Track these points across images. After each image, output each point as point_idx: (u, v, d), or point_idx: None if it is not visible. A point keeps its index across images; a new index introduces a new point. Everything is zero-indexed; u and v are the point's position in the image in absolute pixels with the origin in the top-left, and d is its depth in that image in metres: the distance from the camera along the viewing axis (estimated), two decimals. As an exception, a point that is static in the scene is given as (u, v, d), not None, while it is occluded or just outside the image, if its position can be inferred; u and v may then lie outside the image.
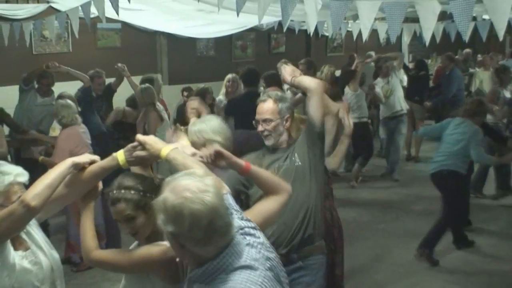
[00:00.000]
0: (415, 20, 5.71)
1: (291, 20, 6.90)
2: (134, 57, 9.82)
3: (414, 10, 4.27)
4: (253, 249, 2.12)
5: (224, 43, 12.40)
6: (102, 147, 6.90)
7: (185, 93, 8.76)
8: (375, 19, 4.77)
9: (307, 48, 14.62)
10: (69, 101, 6.62)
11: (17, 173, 2.81)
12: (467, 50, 14.11)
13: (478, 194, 8.32)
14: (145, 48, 10.85)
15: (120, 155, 2.72)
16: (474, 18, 7.57)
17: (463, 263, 6.36)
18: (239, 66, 10.61)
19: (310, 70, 8.86)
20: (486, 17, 7.25)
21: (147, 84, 7.77)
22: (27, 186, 2.82)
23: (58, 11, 7.83)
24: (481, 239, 6.96)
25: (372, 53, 13.50)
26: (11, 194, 2.76)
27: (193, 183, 2.00)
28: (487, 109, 6.71)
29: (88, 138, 6.50)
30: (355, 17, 7.36)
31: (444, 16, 6.87)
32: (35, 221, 2.90)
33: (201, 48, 12.39)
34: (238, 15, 4.24)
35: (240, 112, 6.73)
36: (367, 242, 6.78)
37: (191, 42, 11.65)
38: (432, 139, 7.54)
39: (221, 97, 8.43)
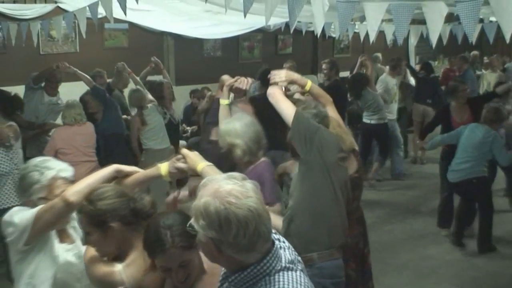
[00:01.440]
0: (422, 22, 5.70)
1: (298, 21, 6.89)
2: (141, 58, 9.82)
3: (421, 12, 4.26)
4: (286, 251, 2.11)
5: (231, 44, 12.41)
6: (110, 149, 6.92)
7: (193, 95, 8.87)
8: (382, 20, 4.76)
9: (314, 49, 14.61)
10: (76, 101, 6.74)
11: (60, 169, 3.03)
12: (475, 52, 14.06)
13: None
14: (152, 49, 10.84)
15: (163, 166, 2.88)
16: (481, 20, 7.56)
17: (468, 265, 6.35)
18: (246, 67, 10.64)
19: (333, 70, 8.95)
20: (493, 19, 7.25)
21: (137, 87, 7.84)
22: None
23: (65, 11, 7.84)
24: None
25: (379, 54, 13.50)
26: (53, 188, 2.97)
27: (236, 188, 1.95)
28: (504, 116, 6.73)
29: (87, 140, 6.71)
30: (362, 19, 7.36)
31: (451, 18, 6.86)
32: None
33: (208, 49, 12.40)
34: (245, 16, 4.24)
35: (261, 110, 6.68)
36: (374, 244, 6.76)
37: (198, 42, 11.66)
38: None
39: None
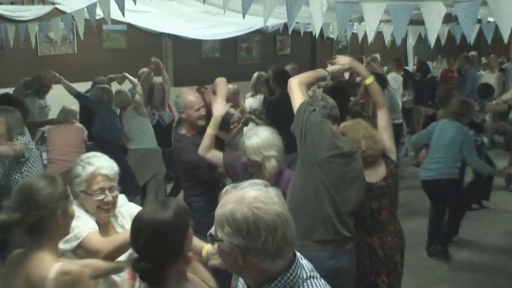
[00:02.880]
0: (420, 22, 5.71)
1: (297, 22, 6.90)
2: (139, 59, 9.84)
3: (420, 13, 4.27)
4: (303, 260, 2.07)
5: (229, 45, 12.42)
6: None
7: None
8: (381, 21, 4.76)
9: (313, 50, 14.63)
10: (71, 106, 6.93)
11: (100, 166, 3.11)
12: (473, 52, 14.08)
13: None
14: (151, 50, 10.84)
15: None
16: (479, 21, 7.55)
17: (467, 266, 6.35)
18: (244, 68, 10.64)
19: None
20: (491, 19, 7.24)
21: (121, 88, 7.82)
22: None
23: (63, 12, 7.85)
24: (485, 242, 7.00)
25: (377, 55, 13.51)
26: (92, 183, 3.06)
27: (261, 194, 1.93)
28: (473, 109, 6.56)
29: (67, 139, 6.79)
30: (361, 19, 7.36)
31: (449, 18, 6.86)
32: (129, 214, 3.21)
33: (207, 50, 12.41)
34: (244, 17, 4.24)
35: (279, 113, 6.66)
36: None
37: (196, 44, 11.67)
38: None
39: (250, 99, 8.52)
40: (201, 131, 4.63)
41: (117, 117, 7.57)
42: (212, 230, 1.97)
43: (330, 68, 4.10)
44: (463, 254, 6.65)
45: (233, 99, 7.63)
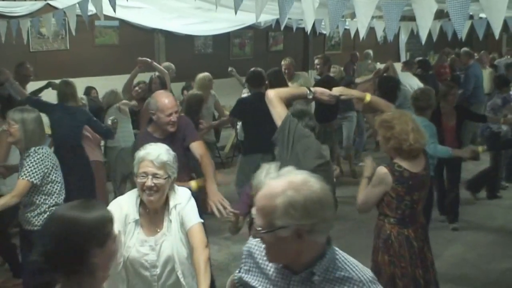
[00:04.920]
0: (413, 18, 5.72)
1: (289, 18, 6.90)
2: (132, 55, 9.81)
3: (411, 9, 4.28)
4: None
5: (222, 41, 12.42)
6: (61, 161, 5.94)
7: (185, 92, 8.79)
8: (373, 17, 4.77)
9: (305, 46, 14.66)
10: None
11: (148, 152, 3.26)
12: (465, 48, 14.12)
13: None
14: (143, 46, 10.84)
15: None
16: (471, 17, 7.59)
17: (460, 261, 6.38)
18: (237, 64, 10.63)
19: (325, 65, 8.99)
20: (483, 15, 7.27)
21: (115, 89, 7.76)
22: None
23: (56, 8, 7.82)
24: (479, 236, 7.04)
25: (370, 51, 13.55)
26: (140, 167, 3.25)
27: (304, 176, 2.04)
28: (433, 102, 6.33)
29: None
30: (353, 15, 7.37)
31: (441, 15, 6.89)
32: (179, 214, 3.34)
33: (199, 46, 12.41)
34: (236, 13, 4.24)
35: (250, 114, 6.71)
36: (366, 240, 6.78)
37: (189, 39, 11.67)
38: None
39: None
40: (170, 135, 4.59)
41: (81, 114, 6.77)
42: (262, 223, 2.01)
43: (314, 88, 4.16)
44: (455, 251, 6.69)
45: (208, 85, 8.07)
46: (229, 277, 2.58)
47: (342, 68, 9.54)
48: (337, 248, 2.13)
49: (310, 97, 4.13)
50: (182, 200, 3.35)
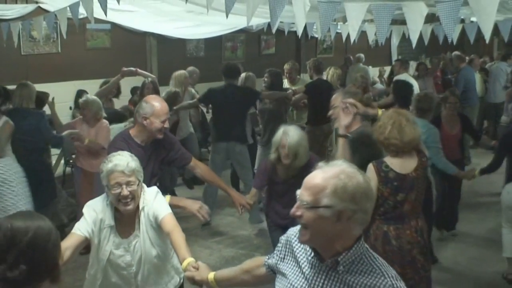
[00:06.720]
0: (404, 22, 5.74)
1: (281, 22, 6.91)
2: (124, 58, 9.80)
3: (402, 12, 4.30)
4: None
5: (214, 44, 12.40)
6: (21, 164, 6.08)
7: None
8: (364, 20, 4.80)
9: (297, 49, 14.66)
10: None
11: (117, 164, 3.31)
12: (456, 52, 14.17)
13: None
14: (135, 49, 10.81)
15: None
16: (462, 21, 7.61)
17: (451, 264, 6.39)
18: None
19: (317, 69, 9.03)
20: (474, 19, 7.30)
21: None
22: None
23: (47, 11, 7.79)
24: (470, 239, 7.08)
25: (362, 55, 13.58)
26: (110, 179, 3.30)
27: (356, 170, 2.17)
28: (434, 105, 6.36)
29: None
30: (345, 19, 7.38)
31: (433, 18, 6.90)
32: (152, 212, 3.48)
33: (191, 49, 12.39)
34: (227, 16, 4.24)
35: (219, 102, 7.14)
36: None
37: (181, 43, 11.64)
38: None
39: None
40: (151, 145, 4.51)
41: (33, 117, 6.48)
42: (308, 199, 2.11)
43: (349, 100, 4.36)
44: (447, 254, 6.70)
45: (184, 82, 8.37)
46: None
47: (339, 72, 9.47)
48: (367, 246, 2.22)
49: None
50: (149, 199, 3.48)
